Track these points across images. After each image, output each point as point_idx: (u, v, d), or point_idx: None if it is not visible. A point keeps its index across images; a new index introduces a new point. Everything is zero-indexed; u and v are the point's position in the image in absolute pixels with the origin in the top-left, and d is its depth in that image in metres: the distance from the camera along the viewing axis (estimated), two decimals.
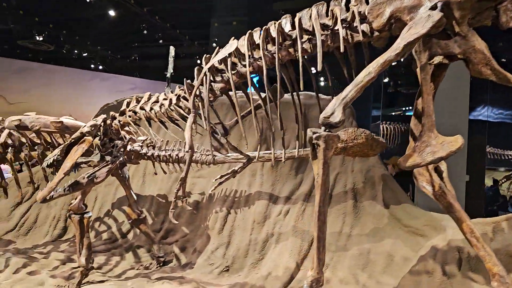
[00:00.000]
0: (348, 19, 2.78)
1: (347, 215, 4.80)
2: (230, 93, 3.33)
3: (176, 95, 3.48)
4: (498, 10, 2.49)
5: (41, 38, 15.76)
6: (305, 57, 2.97)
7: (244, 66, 3.09)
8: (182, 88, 3.46)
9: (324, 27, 2.83)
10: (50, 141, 4.78)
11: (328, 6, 2.88)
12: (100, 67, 19.83)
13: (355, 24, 2.78)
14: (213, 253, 5.10)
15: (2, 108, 16.16)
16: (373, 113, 11.33)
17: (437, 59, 2.71)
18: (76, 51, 17.91)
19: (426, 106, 2.65)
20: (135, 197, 4.90)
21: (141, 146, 4.78)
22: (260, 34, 3.05)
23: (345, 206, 4.84)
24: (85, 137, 3.42)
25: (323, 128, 2.57)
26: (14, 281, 4.27)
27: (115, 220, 5.98)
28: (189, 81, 3.34)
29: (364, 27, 2.76)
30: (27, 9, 14.69)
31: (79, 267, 4.81)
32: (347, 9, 2.80)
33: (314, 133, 2.53)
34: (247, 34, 3.02)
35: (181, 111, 3.36)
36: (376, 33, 2.78)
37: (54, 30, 15.74)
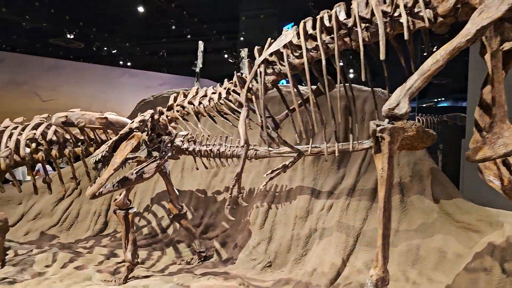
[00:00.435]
0: (410, 5, 2.64)
1: (393, 210, 4.62)
2: (280, 86, 3.24)
3: (225, 88, 3.41)
4: None
5: (72, 36, 16.03)
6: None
7: (297, 57, 2.99)
8: (231, 81, 3.39)
9: (383, 14, 2.69)
10: (93, 137, 4.82)
11: None
12: (129, 64, 20.06)
13: (416, 10, 2.63)
14: (255, 248, 5.05)
15: (36, 105, 16.60)
16: None
17: (508, 45, 2.54)
18: (105, 48, 18.17)
19: (498, 96, 2.48)
20: (177, 193, 4.90)
21: (182, 141, 4.76)
22: (310, 23, 2.93)
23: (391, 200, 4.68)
24: (134, 133, 3.40)
25: (386, 120, 2.46)
26: (63, 275, 4.34)
27: (155, 215, 6.01)
28: (239, 73, 3.27)
29: (428, 12, 2.61)
30: (59, 8, 14.96)
31: (123, 261, 4.88)
32: None
33: (378, 125, 2.42)
34: (301, 24, 2.91)
35: (231, 105, 3.29)
36: (440, 19, 2.62)
37: (84, 28, 16.00)
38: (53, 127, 4.55)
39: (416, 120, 10.74)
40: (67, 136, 4.75)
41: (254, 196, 5.54)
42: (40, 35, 16.17)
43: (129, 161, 3.66)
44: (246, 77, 3.17)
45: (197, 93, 3.65)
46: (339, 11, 2.90)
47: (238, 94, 3.24)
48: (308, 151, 3.36)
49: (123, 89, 18.15)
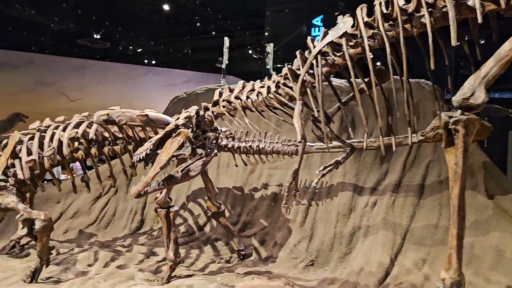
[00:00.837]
0: None
1: (443, 206, 4.44)
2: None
3: (274, 81, 3.28)
4: None
5: (98, 36, 16.17)
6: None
7: (351, 47, 2.83)
8: (280, 74, 3.25)
9: None
10: (131, 135, 4.77)
11: None
12: (153, 62, 20.15)
13: None
14: (296, 246, 4.92)
15: (64, 105, 16.86)
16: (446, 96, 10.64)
17: None
18: (130, 47, 18.29)
19: None
20: (216, 190, 4.81)
21: (221, 138, 4.66)
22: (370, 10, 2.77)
23: (440, 197, 4.48)
24: (179, 130, 3.31)
25: (459, 111, 2.28)
26: (106, 274, 4.31)
27: (191, 213, 5.95)
28: (289, 65, 3.13)
29: None
30: (85, 8, 15.10)
31: (164, 260, 4.83)
32: None
33: (450, 117, 2.25)
34: (358, 10, 2.74)
35: (282, 99, 3.16)
36: None
37: (110, 28, 16.12)
38: (94, 126, 4.52)
39: None
40: (106, 134, 4.72)
41: (293, 193, 5.40)
42: (67, 36, 16.39)
43: (173, 159, 3.58)
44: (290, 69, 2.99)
45: (243, 87, 3.53)
46: None
47: (289, 87, 3.10)
48: (364, 146, 3.19)
49: (148, 87, 18.24)
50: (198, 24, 16.54)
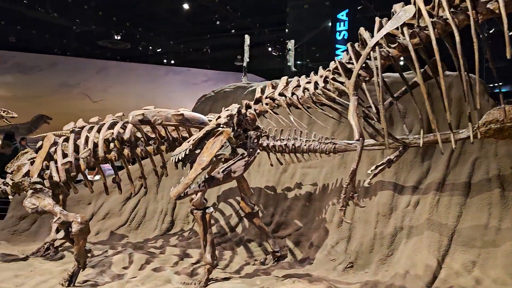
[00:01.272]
0: None
1: (492, 206, 4.21)
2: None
3: (321, 76, 3.12)
4: None
5: (119, 37, 16.23)
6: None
7: (410, 37, 2.64)
8: (328, 69, 3.09)
9: None
10: (164, 135, 4.67)
11: None
12: (173, 62, 20.18)
13: None
14: (334, 248, 4.77)
15: (87, 106, 17.04)
16: None
17: None
18: (150, 47, 18.35)
19: None
20: (252, 191, 4.68)
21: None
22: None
23: (489, 196, 4.24)
24: (221, 129, 3.19)
25: None
26: (143, 278, 4.23)
27: (222, 213, 5.84)
28: (339, 58, 2.96)
29: None
30: (106, 10, 15.19)
31: (198, 262, 4.73)
32: None
33: None
34: None
35: (331, 94, 2.99)
36: None
37: (130, 28, 16.18)
38: (129, 126, 4.43)
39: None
40: (139, 135, 4.63)
41: (329, 193, 5.24)
42: (89, 37, 16.54)
43: (213, 159, 3.45)
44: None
45: (287, 83, 3.37)
46: None
47: (340, 82, 2.93)
48: (420, 143, 2.99)
49: (168, 87, 18.30)
50: (217, 22, 16.47)
